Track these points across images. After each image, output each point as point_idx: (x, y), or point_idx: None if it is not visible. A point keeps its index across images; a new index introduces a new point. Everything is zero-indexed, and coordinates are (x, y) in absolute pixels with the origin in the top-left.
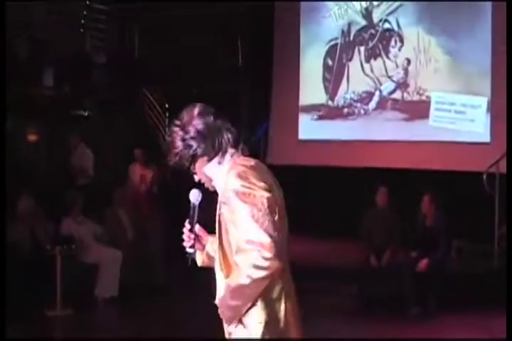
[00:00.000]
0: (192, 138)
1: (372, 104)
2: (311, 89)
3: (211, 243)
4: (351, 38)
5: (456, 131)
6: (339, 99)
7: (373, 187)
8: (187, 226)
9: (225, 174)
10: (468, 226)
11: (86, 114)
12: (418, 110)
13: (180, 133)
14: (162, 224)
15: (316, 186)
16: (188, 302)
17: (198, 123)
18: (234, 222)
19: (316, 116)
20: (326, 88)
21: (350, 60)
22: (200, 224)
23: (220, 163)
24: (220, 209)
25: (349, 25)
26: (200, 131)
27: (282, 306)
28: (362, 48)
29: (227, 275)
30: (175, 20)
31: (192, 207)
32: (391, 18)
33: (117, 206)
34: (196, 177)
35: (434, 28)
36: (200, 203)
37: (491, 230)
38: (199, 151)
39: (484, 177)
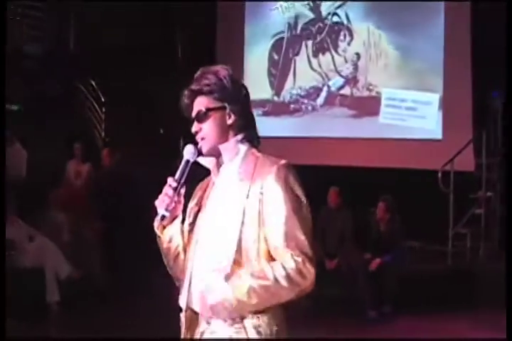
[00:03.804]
0: (231, 85)
1: (320, 100)
2: (256, 85)
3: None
4: (298, 31)
5: (407, 128)
6: (285, 95)
7: (323, 187)
8: (172, 183)
9: (245, 160)
10: (423, 226)
11: (16, 108)
12: (368, 106)
13: (222, 72)
14: (100, 225)
15: None
16: (137, 304)
17: (238, 81)
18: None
19: (260, 112)
20: (271, 83)
21: (297, 54)
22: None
23: (240, 142)
24: (247, 196)
25: (296, 18)
26: (240, 88)
27: None
28: (309, 42)
29: (231, 273)
30: (114, 13)
31: (184, 163)
32: (340, 12)
33: (53, 206)
34: (196, 128)
35: (385, 23)
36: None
37: (446, 229)
38: (230, 105)
39: (439, 175)
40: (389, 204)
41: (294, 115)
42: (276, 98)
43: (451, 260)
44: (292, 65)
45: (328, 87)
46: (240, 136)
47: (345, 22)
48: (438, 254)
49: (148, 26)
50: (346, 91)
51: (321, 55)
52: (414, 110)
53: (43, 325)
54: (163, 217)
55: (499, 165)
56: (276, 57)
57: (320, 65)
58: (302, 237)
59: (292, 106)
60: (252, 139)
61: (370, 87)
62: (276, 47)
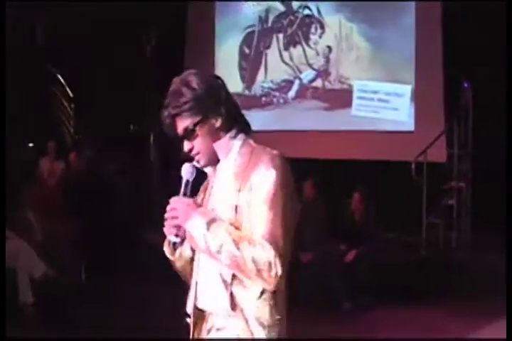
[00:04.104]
0: (206, 91)
1: (292, 93)
2: (227, 78)
3: None
4: (269, 24)
5: (380, 120)
6: (256, 88)
7: (297, 180)
8: (178, 206)
9: (247, 154)
10: (397, 216)
11: None
12: (340, 99)
13: (194, 81)
14: (74, 223)
15: None
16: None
17: (211, 81)
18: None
19: None
20: (242, 77)
21: (268, 47)
22: None
23: (234, 137)
24: (240, 189)
25: (267, 11)
26: (215, 87)
27: None
28: (280, 35)
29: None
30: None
31: (184, 183)
32: (311, 5)
33: (25, 204)
34: (189, 146)
35: (356, 15)
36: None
37: (419, 220)
38: (212, 112)
39: (413, 166)
40: (363, 195)
41: (265, 108)
42: (247, 91)
43: (425, 250)
44: (263, 59)
45: (300, 79)
46: (232, 133)
47: (316, 15)
48: (412, 244)
49: (115, 21)
50: (318, 83)
51: (292, 48)
52: (386, 102)
53: (18, 326)
54: (174, 244)
55: (470, 156)
56: (247, 50)
57: (291, 58)
58: (279, 231)
59: (264, 99)
60: (244, 129)
61: (342, 80)
62: (247, 40)
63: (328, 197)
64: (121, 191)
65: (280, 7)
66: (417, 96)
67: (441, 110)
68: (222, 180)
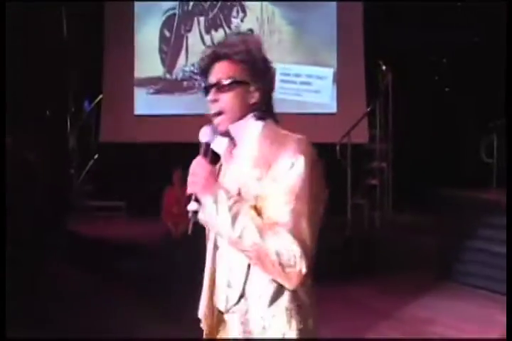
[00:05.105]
0: (264, 60)
1: None
2: (147, 62)
3: None
4: (190, 7)
5: (302, 103)
6: (177, 72)
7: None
8: (199, 163)
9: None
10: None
11: None
12: None
13: (258, 44)
14: None
15: (154, 164)
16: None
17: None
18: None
19: (152, 90)
20: (162, 60)
21: (189, 30)
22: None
23: (259, 118)
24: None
25: None
26: (271, 64)
27: None
28: (202, 18)
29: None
30: None
31: (204, 147)
32: None
33: None
34: (215, 97)
35: None
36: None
37: (345, 201)
38: (258, 81)
39: (337, 148)
40: None
41: (187, 92)
42: (168, 75)
43: (351, 230)
44: (184, 42)
45: None
46: (255, 113)
47: None
48: (338, 225)
49: (32, 5)
50: None
51: (213, 32)
52: (308, 85)
53: None
54: (194, 213)
55: (391, 136)
56: (167, 34)
57: (213, 42)
58: (306, 225)
59: (185, 83)
60: (271, 114)
61: None
62: (167, 23)
63: None
64: (41, 183)
65: None
66: (339, 79)
67: (363, 92)
68: (238, 163)
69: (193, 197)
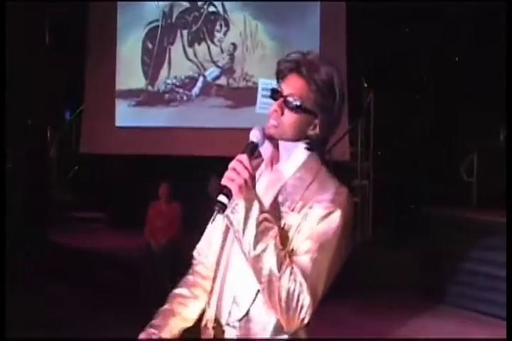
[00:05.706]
0: (341, 94)
1: (196, 90)
2: (129, 74)
3: None
4: (173, 20)
5: None
6: (160, 85)
7: (204, 177)
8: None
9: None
10: None
11: None
12: (244, 97)
13: (332, 75)
14: None
15: (135, 176)
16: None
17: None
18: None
19: (134, 102)
20: (145, 73)
21: (172, 43)
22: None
23: (308, 148)
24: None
25: (171, 6)
26: (344, 100)
27: None
28: (185, 32)
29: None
30: None
31: (251, 147)
32: (216, 2)
33: None
34: (277, 108)
35: (262, 13)
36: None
37: None
38: (325, 112)
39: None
40: None
41: (169, 105)
42: (150, 88)
43: None
44: (167, 55)
45: (204, 77)
46: (308, 144)
47: (221, 12)
48: None
49: (13, 15)
50: (223, 81)
51: (196, 45)
52: None
53: None
54: (221, 204)
55: (372, 154)
56: (150, 46)
57: (196, 55)
58: (322, 279)
59: (167, 95)
60: (322, 148)
61: (247, 78)
62: (150, 36)
63: None
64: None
65: (185, 3)
66: None
67: (345, 109)
68: (273, 182)
69: (225, 190)
